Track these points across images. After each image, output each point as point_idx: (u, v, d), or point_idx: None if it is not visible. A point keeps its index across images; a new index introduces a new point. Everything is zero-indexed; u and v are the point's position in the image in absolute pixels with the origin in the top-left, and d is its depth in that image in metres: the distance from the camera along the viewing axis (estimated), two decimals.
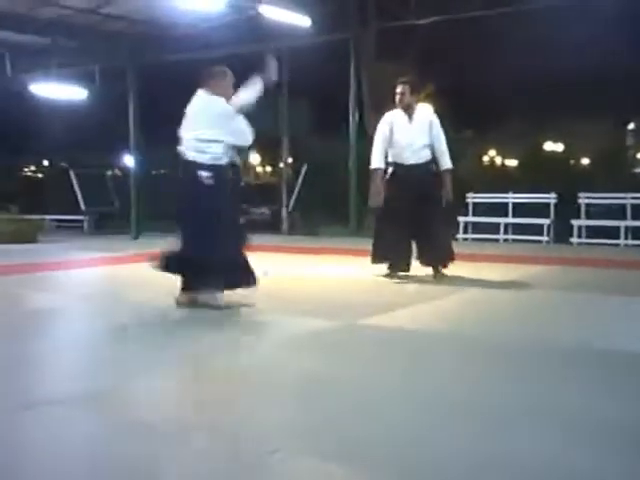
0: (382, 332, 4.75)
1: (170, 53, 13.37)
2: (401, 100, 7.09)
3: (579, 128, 16.79)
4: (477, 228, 12.30)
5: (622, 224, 11.10)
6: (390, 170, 7.12)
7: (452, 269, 7.10)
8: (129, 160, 14.99)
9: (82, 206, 15.16)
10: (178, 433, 2.82)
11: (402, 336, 4.67)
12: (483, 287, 6.62)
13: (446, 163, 7.10)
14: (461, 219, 12.20)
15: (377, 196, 7.01)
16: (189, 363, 3.99)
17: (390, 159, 7.13)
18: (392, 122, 7.10)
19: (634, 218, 11.18)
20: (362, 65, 13.25)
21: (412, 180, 6.96)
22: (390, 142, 7.06)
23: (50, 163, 31.00)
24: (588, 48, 13.64)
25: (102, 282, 7.89)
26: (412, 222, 6.88)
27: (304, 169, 15.61)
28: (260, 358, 4.09)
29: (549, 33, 14.53)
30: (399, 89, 7.09)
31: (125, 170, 17.90)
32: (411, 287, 6.70)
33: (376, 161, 7.07)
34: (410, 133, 7.06)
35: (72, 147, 23.35)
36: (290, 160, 15.90)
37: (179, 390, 3.51)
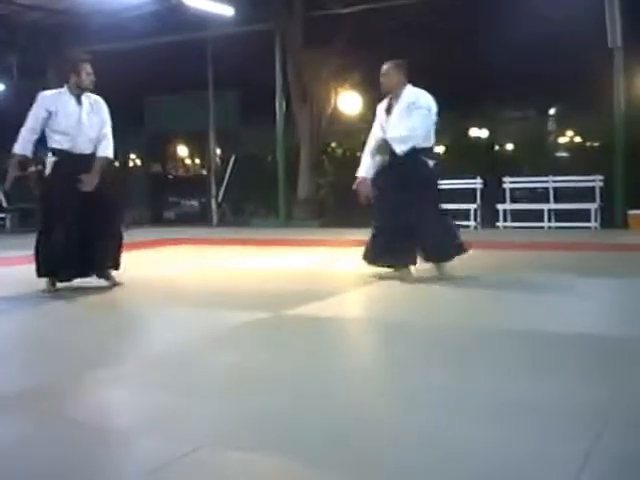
0: (309, 321, 4.74)
1: (92, 44, 13.05)
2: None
3: (503, 114, 17.10)
4: None
5: (545, 207, 11.41)
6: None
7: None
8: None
9: (4, 203, 14.73)
10: (105, 432, 2.76)
11: (330, 325, 4.67)
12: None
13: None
14: None
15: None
16: (119, 361, 3.91)
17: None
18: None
19: (557, 201, 11.50)
20: (288, 54, 13.22)
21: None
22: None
23: None
24: (510, 36, 13.91)
25: (29, 280, 7.66)
26: None
27: (232, 160, 15.51)
28: (187, 352, 4.03)
29: (473, 22, 14.74)
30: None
31: None
32: (338, 276, 6.72)
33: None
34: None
35: None
36: (218, 152, 15.77)
37: (107, 389, 3.43)
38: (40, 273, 6.03)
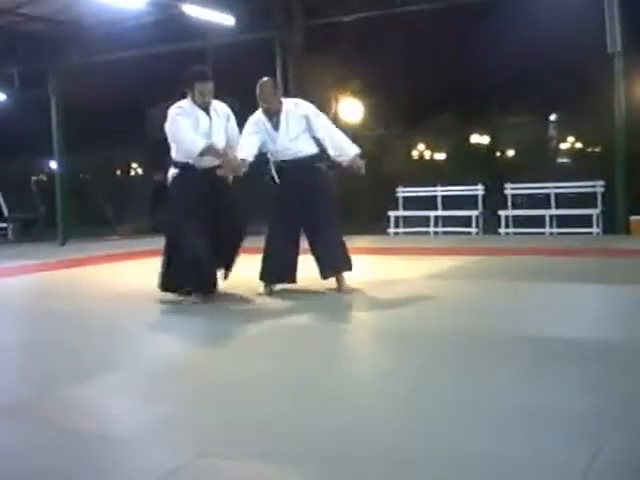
0: (309, 330, 4.75)
1: (93, 54, 13.08)
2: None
3: (504, 121, 17.13)
4: (407, 222, 12.44)
5: (547, 213, 11.40)
6: None
7: (386, 264, 7.13)
8: (54, 164, 14.64)
9: (5, 213, 14.76)
10: (103, 440, 2.76)
11: (329, 332, 4.67)
12: (413, 280, 6.67)
13: None
14: (391, 213, 12.31)
15: None
16: (124, 369, 3.90)
17: None
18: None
19: (558, 207, 11.49)
20: (289, 62, 13.24)
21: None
22: None
23: None
24: (510, 43, 13.95)
25: (29, 290, 7.67)
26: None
27: None
28: (186, 361, 4.03)
29: (474, 30, 14.77)
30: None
31: (51, 175, 17.47)
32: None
33: None
34: None
35: None
36: None
37: (108, 397, 3.43)
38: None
